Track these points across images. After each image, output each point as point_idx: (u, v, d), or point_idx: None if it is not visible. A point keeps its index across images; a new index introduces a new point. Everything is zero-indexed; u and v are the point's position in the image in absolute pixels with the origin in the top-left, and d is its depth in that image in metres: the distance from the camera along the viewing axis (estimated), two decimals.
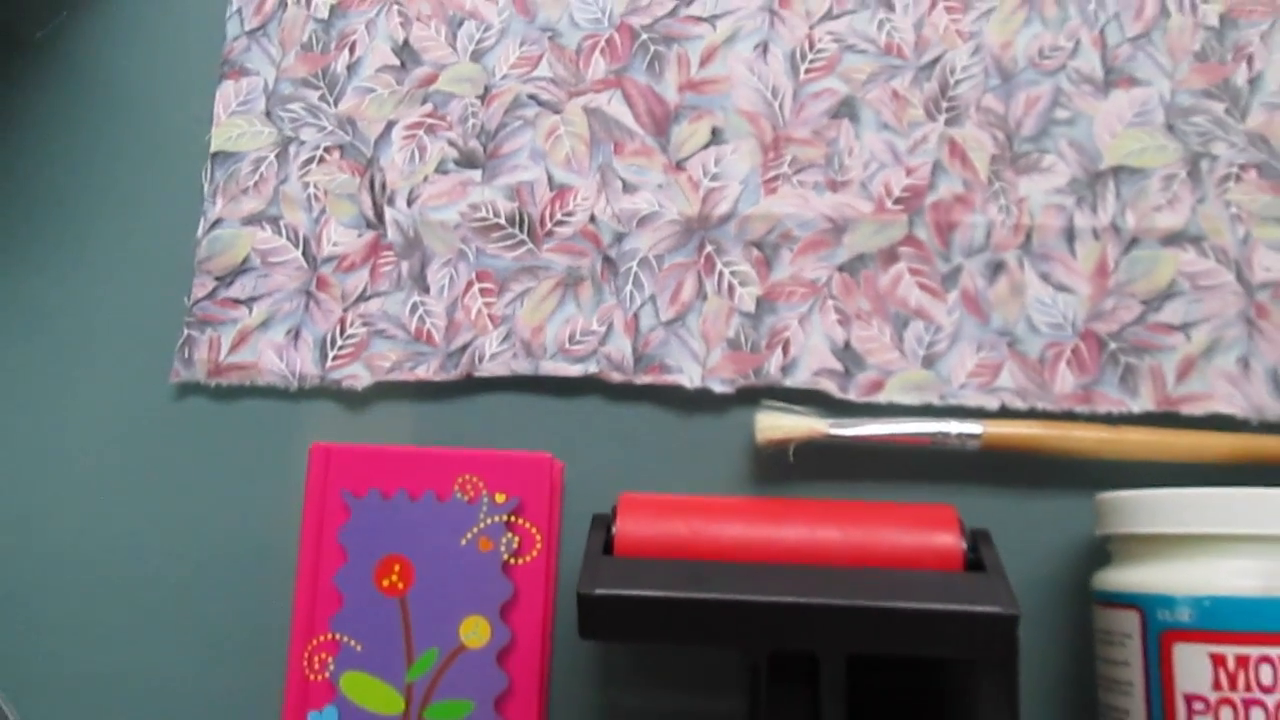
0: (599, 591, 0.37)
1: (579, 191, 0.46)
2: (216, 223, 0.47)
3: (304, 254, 0.46)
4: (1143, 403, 0.43)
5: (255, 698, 0.44)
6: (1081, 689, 0.42)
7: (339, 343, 0.45)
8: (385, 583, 0.42)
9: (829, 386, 0.44)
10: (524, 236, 0.46)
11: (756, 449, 0.43)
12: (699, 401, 0.44)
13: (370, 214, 0.46)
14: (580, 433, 0.45)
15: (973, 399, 0.43)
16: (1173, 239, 0.44)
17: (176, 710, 0.44)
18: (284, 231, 0.47)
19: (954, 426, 0.42)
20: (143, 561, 0.45)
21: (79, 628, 0.45)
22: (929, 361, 0.44)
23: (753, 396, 0.44)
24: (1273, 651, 0.34)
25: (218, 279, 0.46)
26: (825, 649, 0.37)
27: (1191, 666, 0.35)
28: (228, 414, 0.46)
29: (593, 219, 0.46)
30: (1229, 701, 0.34)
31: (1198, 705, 0.35)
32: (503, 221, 0.46)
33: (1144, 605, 0.36)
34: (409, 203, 0.46)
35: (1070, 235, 0.44)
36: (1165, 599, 0.36)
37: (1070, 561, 0.43)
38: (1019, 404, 0.43)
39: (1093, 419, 0.43)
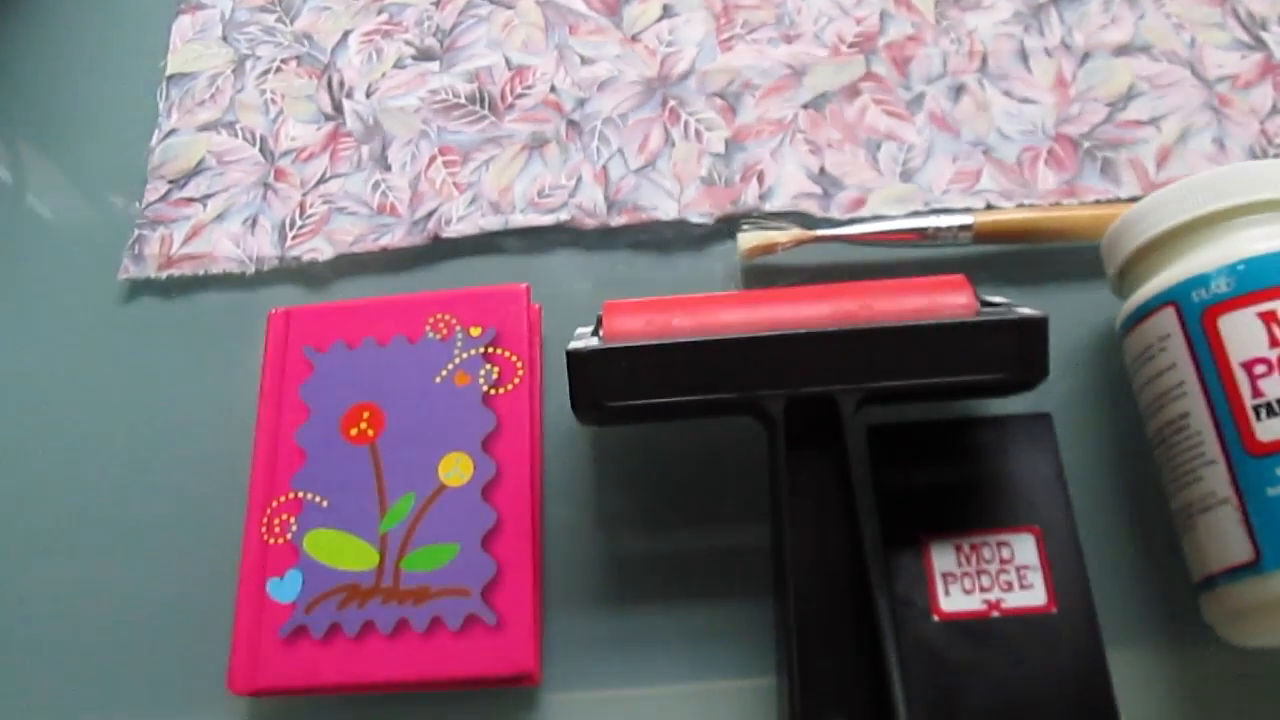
0: (592, 347, 0.34)
1: (537, 69, 0.46)
2: (171, 132, 0.46)
3: (261, 150, 0.45)
4: (1128, 189, 0.42)
5: (209, 581, 0.38)
6: (1121, 449, 0.38)
7: (298, 223, 0.43)
8: (353, 432, 0.38)
9: (810, 207, 0.42)
10: (485, 112, 0.45)
11: (741, 273, 0.41)
12: (677, 241, 0.42)
13: (329, 109, 0.46)
14: (557, 285, 0.42)
15: (958, 202, 0.42)
16: (1123, 50, 0.45)
17: (128, 606, 0.38)
18: (240, 134, 0.46)
19: (945, 220, 0.40)
20: (92, 462, 0.41)
21: (25, 531, 0.40)
22: (907, 175, 0.43)
23: (732, 230, 0.42)
24: None
25: (171, 182, 0.45)
26: (845, 384, 0.34)
27: (1242, 334, 0.32)
28: (181, 309, 0.43)
29: (553, 89, 0.45)
30: None
31: (1259, 369, 0.32)
32: (463, 101, 0.46)
33: (1177, 295, 0.34)
34: (367, 95, 0.46)
35: (1024, 56, 0.45)
36: (1198, 279, 0.33)
37: (1081, 350, 0.40)
38: (1004, 204, 0.42)
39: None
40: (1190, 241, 0.34)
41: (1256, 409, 0.31)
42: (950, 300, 0.36)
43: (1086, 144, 0.43)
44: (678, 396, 0.34)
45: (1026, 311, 0.33)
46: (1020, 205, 0.42)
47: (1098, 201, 0.42)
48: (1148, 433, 0.36)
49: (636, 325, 0.36)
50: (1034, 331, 0.33)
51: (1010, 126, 0.43)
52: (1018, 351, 0.33)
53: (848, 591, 0.33)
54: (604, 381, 0.34)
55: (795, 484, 0.34)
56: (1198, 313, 0.33)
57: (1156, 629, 0.35)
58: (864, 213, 0.42)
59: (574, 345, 0.34)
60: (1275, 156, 0.42)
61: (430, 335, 0.39)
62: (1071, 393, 0.39)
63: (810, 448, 0.34)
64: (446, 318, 0.40)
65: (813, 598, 0.33)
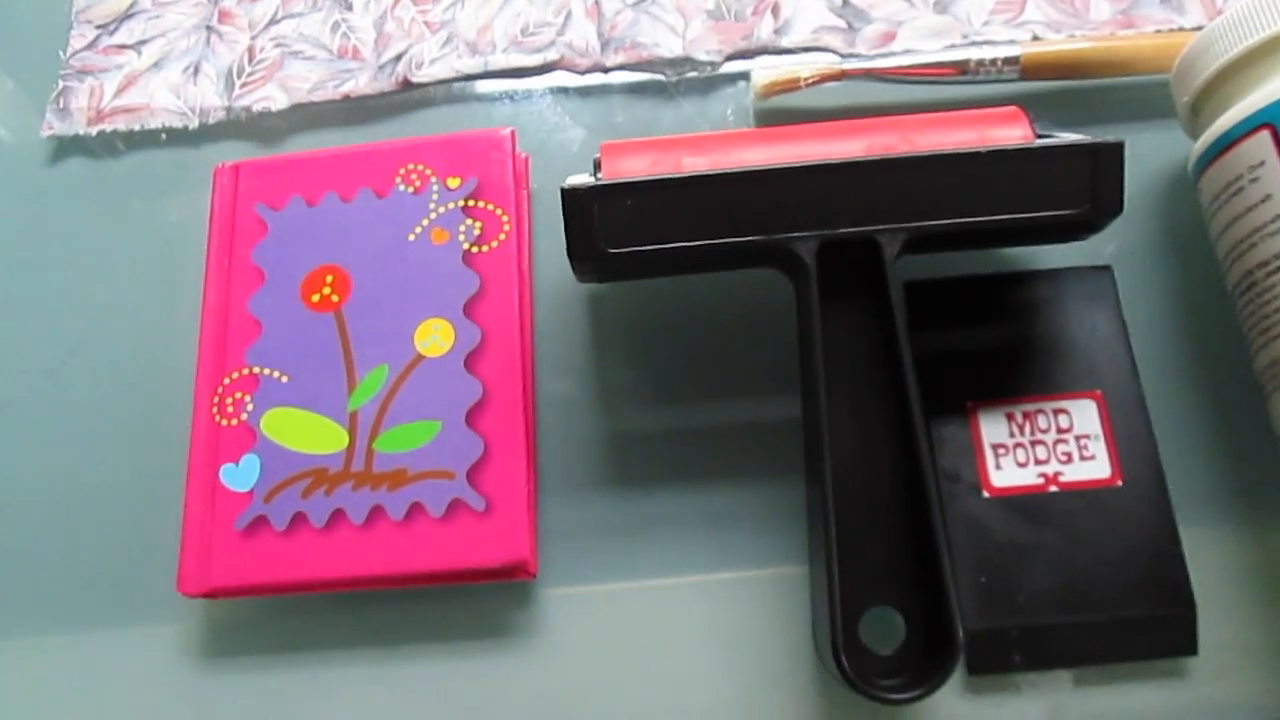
0: (592, 183, 0.29)
1: None
2: None
3: None
4: (1193, 17, 0.37)
5: (156, 470, 0.33)
6: (1192, 305, 0.33)
7: (247, 70, 0.38)
8: (315, 298, 0.33)
9: (833, 42, 0.37)
10: None
11: (755, 118, 0.36)
12: (681, 83, 0.37)
13: None
14: (546, 134, 0.37)
15: (1000, 35, 0.37)
16: None
17: (64, 500, 0.33)
18: None
19: (988, 51, 0.35)
20: (20, 344, 0.35)
21: None
22: (943, 6, 0.37)
23: (744, 70, 0.37)
24: None
25: (99, 27, 0.39)
26: (888, 223, 0.29)
27: None
28: (114, 169, 0.38)
29: None
30: None
31: None
32: None
33: (1273, 116, 0.29)
34: None
35: None
36: None
37: (1145, 197, 0.35)
38: (1053, 36, 0.37)
39: None
40: (1274, 63, 0.30)
41: None
42: (1004, 133, 0.31)
43: None
44: (692, 240, 0.29)
45: (1096, 139, 0.29)
46: (1071, 36, 0.37)
47: (1158, 31, 0.37)
48: (1229, 282, 0.31)
49: (640, 166, 0.30)
50: (1110, 158, 0.28)
51: None
52: (1090, 182, 0.29)
53: (891, 466, 0.28)
54: (606, 224, 0.29)
55: (831, 343, 0.29)
56: None
57: (1234, 504, 0.31)
58: (894, 48, 0.37)
59: (570, 182, 0.29)
60: None
61: (401, 188, 0.34)
62: (1134, 245, 0.34)
63: (848, 299, 0.29)
64: (419, 168, 0.34)
65: (852, 474, 0.28)
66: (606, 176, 0.30)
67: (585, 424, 0.33)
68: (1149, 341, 0.33)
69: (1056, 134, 0.31)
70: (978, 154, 0.29)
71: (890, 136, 0.31)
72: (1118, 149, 0.28)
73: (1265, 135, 0.29)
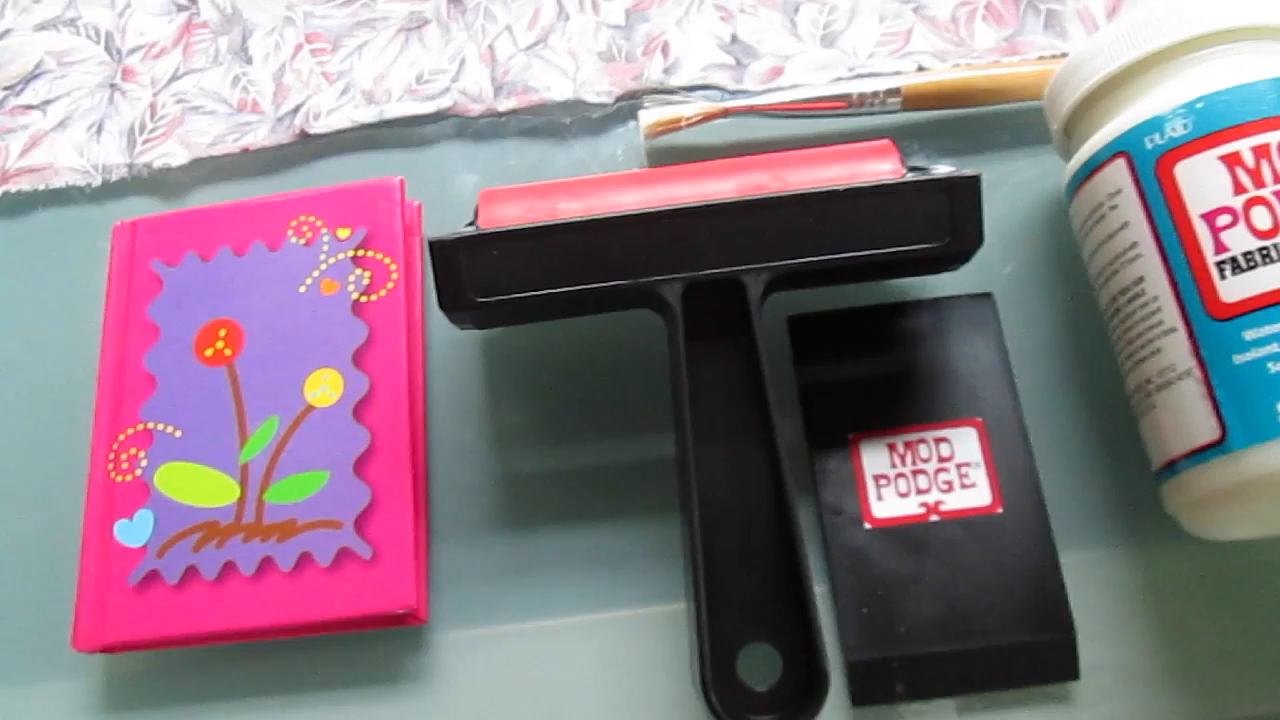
0: (458, 233, 0.29)
1: None
2: (4, 34, 0.41)
3: (106, 49, 0.40)
4: (1076, 43, 0.37)
5: (51, 527, 0.34)
6: (1073, 330, 0.34)
7: (149, 126, 0.39)
8: (208, 352, 0.34)
9: (721, 79, 0.37)
10: None
11: (647, 157, 0.37)
12: (574, 125, 0.38)
13: None
14: (441, 180, 0.37)
15: (886, 66, 0.37)
16: None
17: None
18: (82, 31, 0.41)
19: (870, 84, 0.36)
20: None
21: None
22: (829, 40, 0.38)
23: (634, 110, 0.37)
24: None
25: (6, 89, 0.40)
26: (751, 263, 0.29)
27: (1202, 181, 0.28)
28: (18, 229, 0.38)
29: None
30: (1259, 200, 0.27)
31: (1222, 220, 0.27)
32: None
33: (1128, 144, 0.29)
34: None
35: None
36: (1151, 123, 0.29)
37: (1029, 222, 0.35)
38: (938, 66, 0.37)
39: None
40: (1141, 83, 0.30)
41: (1220, 265, 0.27)
42: (873, 168, 0.31)
43: None
44: (559, 287, 0.29)
45: (953, 173, 0.29)
46: (956, 66, 0.37)
47: (1040, 58, 0.37)
48: (1100, 306, 0.31)
49: (515, 213, 0.31)
50: (965, 191, 0.29)
51: None
52: (947, 216, 0.29)
53: (762, 503, 0.29)
54: (473, 274, 0.29)
55: (698, 383, 0.29)
56: (1151, 161, 0.29)
57: (1114, 527, 0.31)
58: (781, 83, 0.37)
59: (437, 234, 0.29)
60: None
61: (293, 240, 0.35)
62: (1018, 271, 0.35)
63: (715, 340, 0.30)
64: (311, 220, 0.35)
65: (724, 511, 0.29)
66: (483, 224, 0.31)
67: (478, 467, 0.33)
68: (1031, 367, 0.33)
69: (929, 166, 0.32)
70: (835, 192, 0.29)
71: (762, 175, 0.31)
72: (973, 182, 0.29)
73: (1121, 163, 0.29)
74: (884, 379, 0.33)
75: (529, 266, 0.29)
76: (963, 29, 0.38)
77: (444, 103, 0.38)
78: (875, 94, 0.36)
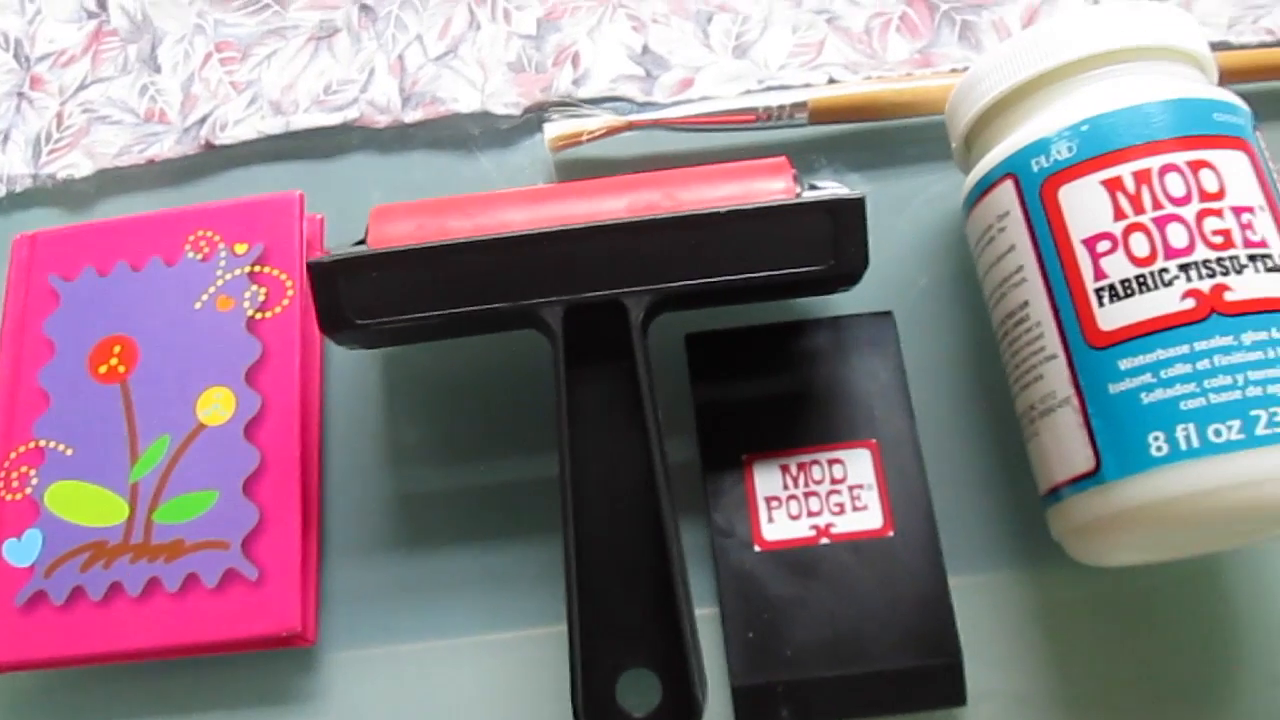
0: (336, 256, 0.29)
1: None
2: None
3: (15, 56, 0.40)
4: None
5: None
6: (972, 350, 0.33)
7: (55, 136, 0.38)
8: (102, 369, 0.33)
9: (631, 91, 0.37)
10: (268, 0, 0.40)
11: (554, 169, 0.36)
12: (482, 136, 0.37)
13: (92, 4, 0.40)
14: (348, 193, 0.37)
15: (797, 78, 0.37)
16: None
17: None
18: None
19: (776, 98, 0.35)
20: None
21: None
22: (741, 51, 0.38)
23: (543, 122, 0.37)
24: (1179, 157, 0.27)
25: None
26: (632, 286, 0.29)
27: (1084, 206, 0.27)
28: None
29: None
30: (1138, 227, 0.27)
31: (1102, 245, 0.27)
32: None
33: (1015, 166, 0.29)
34: None
35: None
36: (1037, 145, 0.28)
37: (936, 238, 0.35)
38: (851, 78, 0.37)
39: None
40: (1031, 104, 0.30)
41: (1098, 292, 0.27)
42: (766, 186, 0.31)
43: (944, 5, 0.38)
44: (440, 310, 0.29)
45: (836, 194, 0.29)
46: (867, 79, 0.37)
47: (953, 70, 0.37)
48: (993, 327, 0.31)
49: (407, 229, 0.31)
50: (849, 214, 0.29)
51: None
52: (831, 239, 0.29)
53: (642, 528, 0.29)
54: (352, 297, 0.29)
55: (578, 406, 0.29)
56: (1037, 184, 0.28)
57: (1005, 550, 0.31)
58: (692, 94, 0.37)
59: (316, 256, 0.29)
60: None
61: (190, 255, 0.34)
62: (923, 287, 0.34)
63: (597, 363, 0.29)
64: (209, 234, 0.35)
65: (604, 535, 0.29)
66: (372, 243, 0.31)
67: (373, 486, 0.33)
68: (929, 386, 0.33)
69: (826, 184, 0.31)
70: (716, 214, 0.29)
71: (655, 194, 0.31)
72: (858, 204, 0.29)
73: (1009, 185, 0.29)
74: (780, 399, 0.33)
75: (408, 289, 0.29)
76: (876, 40, 0.37)
77: (351, 114, 0.37)
78: (782, 107, 0.35)
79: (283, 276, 0.34)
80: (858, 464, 0.32)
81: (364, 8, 0.39)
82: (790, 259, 0.29)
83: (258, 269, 0.34)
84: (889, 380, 0.32)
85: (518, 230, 0.29)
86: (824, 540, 0.31)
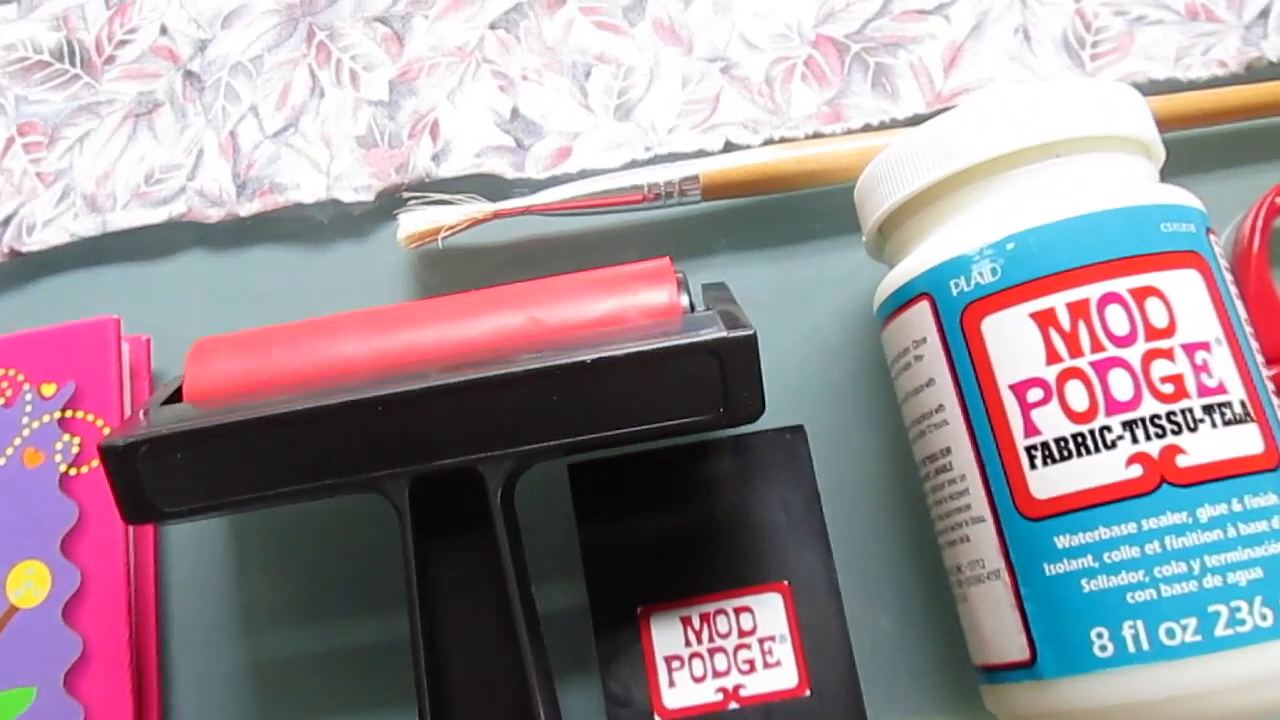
0: (128, 439, 0.24)
1: (143, 3, 0.35)
2: None
3: None
4: (909, 105, 0.32)
5: None
6: (897, 467, 0.29)
7: None
8: None
9: (499, 166, 0.32)
10: (78, 70, 0.34)
11: (416, 265, 0.31)
12: (332, 229, 0.32)
13: None
14: (178, 303, 0.32)
15: (689, 142, 0.32)
16: None
17: None
18: None
19: (664, 173, 0.31)
20: None
21: None
22: (624, 112, 0.33)
23: (401, 203, 0.32)
24: (1122, 284, 0.23)
25: None
26: (488, 450, 0.24)
27: (1012, 343, 0.23)
28: None
29: (164, 30, 0.34)
30: (1075, 373, 0.22)
31: (1033, 394, 0.23)
32: (47, 58, 0.34)
33: (932, 286, 0.24)
34: None
35: None
36: (956, 264, 0.24)
37: (850, 329, 0.31)
38: (751, 139, 0.32)
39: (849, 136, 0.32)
40: (949, 204, 0.25)
41: (1030, 451, 0.23)
42: (646, 300, 0.27)
43: (855, 46, 0.33)
44: (260, 491, 0.24)
45: (721, 333, 0.24)
46: (769, 141, 0.32)
47: (867, 127, 0.32)
48: (915, 460, 0.27)
49: (228, 374, 0.26)
50: (737, 355, 0.24)
51: (757, 31, 0.33)
52: (719, 384, 0.24)
53: (511, 708, 0.25)
54: (156, 482, 0.24)
55: (431, 584, 0.25)
56: (957, 311, 0.24)
57: (937, 707, 0.27)
58: (569, 166, 0.32)
59: (111, 436, 0.24)
60: (1095, 51, 0.32)
61: None
62: (836, 391, 0.30)
63: (455, 534, 0.25)
64: (10, 374, 0.30)
65: (468, 714, 0.25)
66: (188, 394, 0.26)
67: (221, 657, 0.29)
68: (846, 510, 0.29)
69: (717, 291, 0.27)
70: (582, 364, 0.24)
71: (515, 317, 0.27)
72: (746, 345, 0.24)
73: (925, 306, 0.25)
74: (678, 537, 0.28)
75: (225, 469, 0.24)
76: (778, 92, 0.32)
77: (178, 208, 0.32)
78: (671, 184, 0.30)
79: (99, 422, 0.29)
80: (768, 612, 0.28)
81: (189, 74, 0.34)
82: (672, 409, 0.24)
83: (69, 414, 0.29)
84: (802, 509, 0.28)
85: (351, 393, 0.24)
86: (733, 704, 0.27)
